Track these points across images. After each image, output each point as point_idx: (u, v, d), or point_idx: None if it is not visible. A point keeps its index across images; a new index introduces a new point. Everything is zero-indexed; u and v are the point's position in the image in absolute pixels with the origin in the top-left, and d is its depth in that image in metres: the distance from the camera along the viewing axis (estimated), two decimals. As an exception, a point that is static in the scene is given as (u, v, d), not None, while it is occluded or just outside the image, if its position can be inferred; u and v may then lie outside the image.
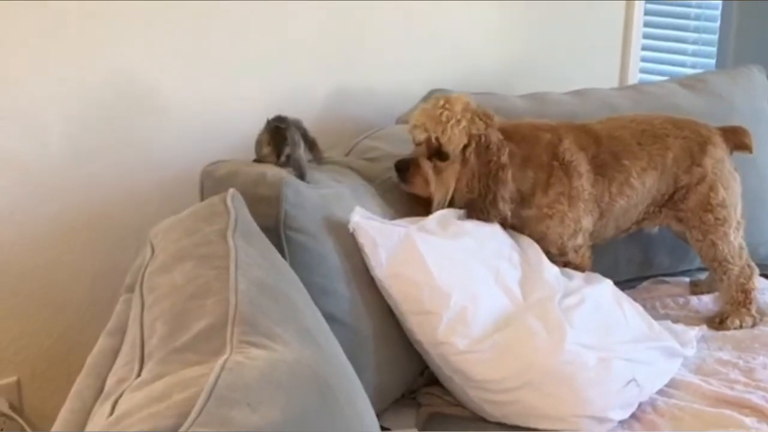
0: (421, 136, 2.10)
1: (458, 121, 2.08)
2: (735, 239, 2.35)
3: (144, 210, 2.04)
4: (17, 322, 2.07)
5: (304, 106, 2.40)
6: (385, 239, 1.91)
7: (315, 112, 2.42)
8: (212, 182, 1.89)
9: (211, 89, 2.21)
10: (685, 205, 2.32)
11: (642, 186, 2.28)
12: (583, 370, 1.89)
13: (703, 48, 3.44)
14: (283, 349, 1.26)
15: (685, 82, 2.73)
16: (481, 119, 2.11)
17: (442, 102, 2.11)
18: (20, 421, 2.09)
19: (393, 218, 2.03)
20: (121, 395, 1.28)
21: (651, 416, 1.93)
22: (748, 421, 1.87)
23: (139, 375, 1.33)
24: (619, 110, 2.52)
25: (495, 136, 2.11)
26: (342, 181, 2.04)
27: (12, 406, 2.09)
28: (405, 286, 1.91)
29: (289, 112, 2.31)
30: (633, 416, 1.93)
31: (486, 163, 2.09)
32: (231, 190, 1.67)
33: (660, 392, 1.99)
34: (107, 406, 1.26)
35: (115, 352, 1.45)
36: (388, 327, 1.93)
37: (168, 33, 2.12)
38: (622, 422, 1.92)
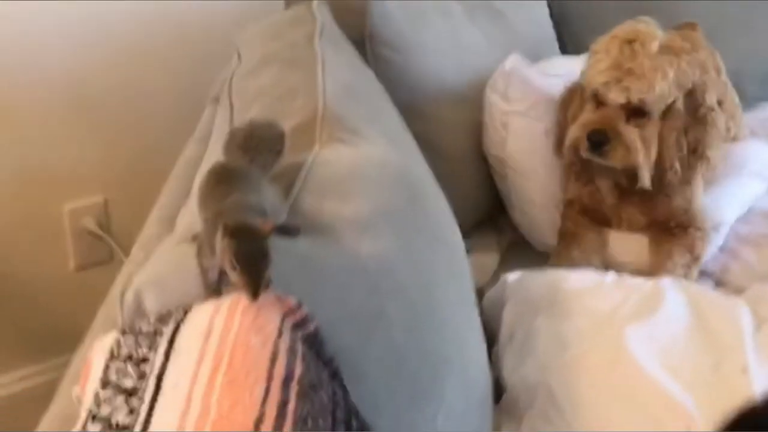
0: (621, 99, 1.64)
1: (665, 73, 1.63)
2: None
3: (225, 22, 2.01)
4: (101, 143, 2.09)
5: None
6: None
7: None
8: None
9: None
10: None
11: None
12: None
13: None
14: (370, 147, 1.26)
15: None
16: (684, 59, 1.66)
17: (636, 45, 1.64)
18: (108, 239, 2.13)
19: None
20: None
21: (733, 244, 1.91)
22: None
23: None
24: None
25: (700, 74, 1.70)
26: None
27: (100, 225, 2.13)
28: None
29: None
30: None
31: (694, 110, 1.70)
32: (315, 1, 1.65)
33: (741, 221, 1.95)
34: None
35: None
36: (471, 151, 1.92)
37: None
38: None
